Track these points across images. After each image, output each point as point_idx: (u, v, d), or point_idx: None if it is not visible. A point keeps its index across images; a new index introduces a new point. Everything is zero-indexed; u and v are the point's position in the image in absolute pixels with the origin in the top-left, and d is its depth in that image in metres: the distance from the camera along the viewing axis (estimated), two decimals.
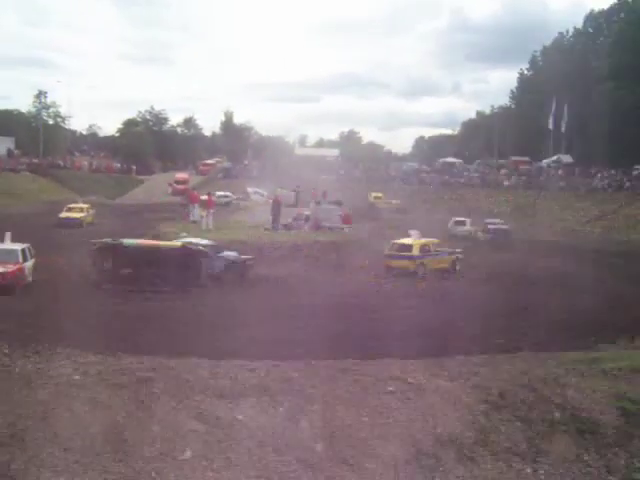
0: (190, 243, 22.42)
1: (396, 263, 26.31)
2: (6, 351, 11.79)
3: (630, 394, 11.97)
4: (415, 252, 26.29)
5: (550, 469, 10.17)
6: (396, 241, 27.53)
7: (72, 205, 43.39)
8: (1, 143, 73.06)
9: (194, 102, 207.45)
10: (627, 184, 60.37)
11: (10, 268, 18.80)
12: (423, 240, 28.07)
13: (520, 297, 22.07)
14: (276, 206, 34.34)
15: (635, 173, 63.34)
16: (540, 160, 76.48)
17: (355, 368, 12.45)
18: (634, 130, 64.19)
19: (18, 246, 20.26)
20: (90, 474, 9.05)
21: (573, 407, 11.55)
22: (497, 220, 42.91)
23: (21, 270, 19.25)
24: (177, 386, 11.08)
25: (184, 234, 25.00)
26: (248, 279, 22.86)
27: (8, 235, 21.02)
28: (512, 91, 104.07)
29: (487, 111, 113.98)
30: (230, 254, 23.46)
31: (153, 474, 9.27)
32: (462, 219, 41.74)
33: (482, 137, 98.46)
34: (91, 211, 43.50)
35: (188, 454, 9.74)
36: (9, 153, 72.90)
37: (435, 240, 28.92)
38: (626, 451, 10.70)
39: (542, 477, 9.95)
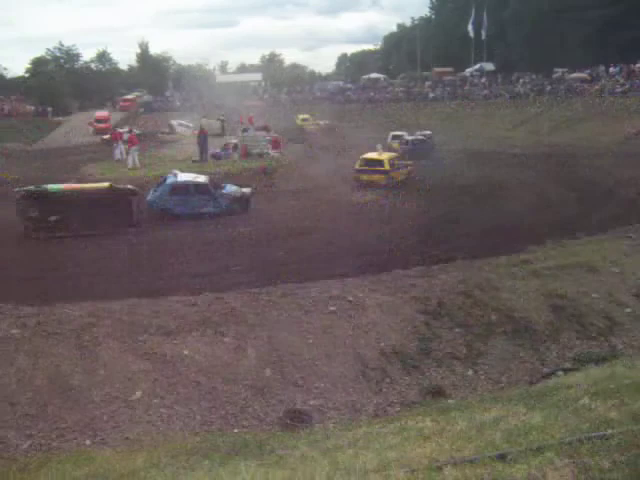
0: (175, 179, 21.94)
1: (368, 177, 27.26)
2: None
3: (559, 290, 12.58)
4: (386, 166, 27.41)
5: (489, 369, 10.69)
6: (366, 156, 28.54)
7: None
8: None
9: (106, 35, 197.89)
10: (548, 88, 61.36)
11: None
12: (390, 154, 29.57)
13: (452, 207, 22.50)
14: (202, 137, 33.65)
15: (555, 76, 64.33)
16: (463, 70, 76.71)
17: (295, 292, 12.63)
18: (552, 34, 64.84)
19: None
20: (41, 425, 9.03)
21: (508, 308, 12.08)
22: (427, 132, 43.36)
23: None
24: (119, 328, 11.03)
25: (176, 171, 24.01)
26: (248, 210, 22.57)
27: None
28: (432, 1, 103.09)
29: (408, 23, 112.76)
30: (232, 189, 23.04)
31: (105, 418, 9.32)
32: (400, 133, 42.04)
33: (404, 50, 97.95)
34: None
35: (138, 394, 9.80)
36: None
37: (395, 154, 30.57)
38: (557, 343, 11.33)
39: (482, 377, 10.47)
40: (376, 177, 26.92)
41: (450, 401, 9.24)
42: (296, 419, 8.87)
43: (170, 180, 22.58)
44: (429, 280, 13.26)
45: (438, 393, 9.96)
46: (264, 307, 11.83)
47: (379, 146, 30.28)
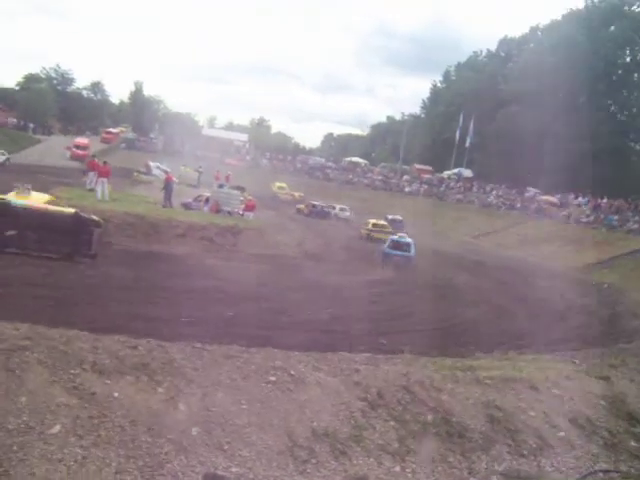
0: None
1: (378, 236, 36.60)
2: None
3: (498, 402, 12.58)
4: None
5: (417, 468, 10.51)
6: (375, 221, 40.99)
7: None
8: None
9: (105, 68, 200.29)
10: (519, 204, 63.35)
11: None
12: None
13: (408, 300, 22.67)
14: (168, 184, 33.92)
15: (527, 195, 66.60)
16: (442, 171, 79.01)
17: (239, 355, 12.41)
18: (531, 154, 67.51)
19: None
20: None
21: (445, 411, 11.99)
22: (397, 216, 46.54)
23: None
24: (53, 357, 10.63)
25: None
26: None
27: None
28: (423, 101, 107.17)
29: (397, 117, 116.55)
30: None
31: (15, 448, 8.86)
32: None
33: (390, 141, 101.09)
34: (3, 157, 47.86)
35: (57, 428, 9.37)
36: None
37: None
38: (488, 455, 11.24)
39: (409, 475, 10.28)
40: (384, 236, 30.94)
41: None
42: None
43: None
44: (373, 368, 13.16)
45: None
46: (205, 364, 11.58)
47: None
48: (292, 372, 12.23)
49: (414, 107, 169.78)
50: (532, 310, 24.15)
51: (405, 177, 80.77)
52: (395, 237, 32.66)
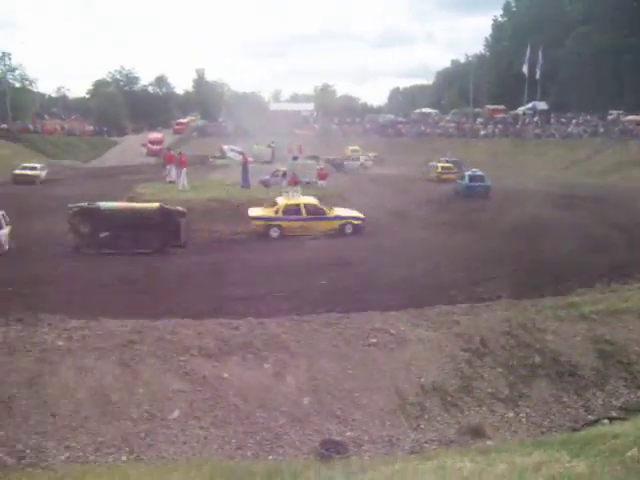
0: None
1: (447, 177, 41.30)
2: None
3: (607, 336, 12.24)
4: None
5: (531, 412, 10.42)
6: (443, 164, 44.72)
7: (26, 164, 46.54)
8: None
9: (165, 60, 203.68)
10: (602, 129, 60.58)
11: None
12: None
13: (499, 245, 22.22)
14: (244, 164, 34.35)
15: (610, 118, 63.51)
16: (515, 108, 76.33)
17: (338, 322, 12.58)
18: (608, 74, 64.23)
19: None
20: (80, 438, 9.13)
21: (552, 351, 11.79)
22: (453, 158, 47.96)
23: None
24: (162, 347, 11.13)
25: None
26: None
27: None
28: (486, 39, 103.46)
29: (462, 60, 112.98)
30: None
31: (142, 435, 9.38)
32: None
33: (457, 86, 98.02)
34: (44, 171, 46.75)
35: (176, 414, 9.85)
36: None
37: None
38: (603, 390, 10.99)
39: (523, 420, 10.20)
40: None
41: (489, 442, 9.04)
42: (332, 450, 8.77)
43: None
44: (473, 318, 13.06)
45: (477, 433, 9.74)
46: (306, 335, 11.81)
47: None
48: (392, 331, 12.30)
49: (477, 47, 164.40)
50: (632, 238, 23.12)
51: (478, 120, 78.77)
52: (469, 172, 37.22)
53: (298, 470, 7.15)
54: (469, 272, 18.14)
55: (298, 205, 24.41)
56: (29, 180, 42.57)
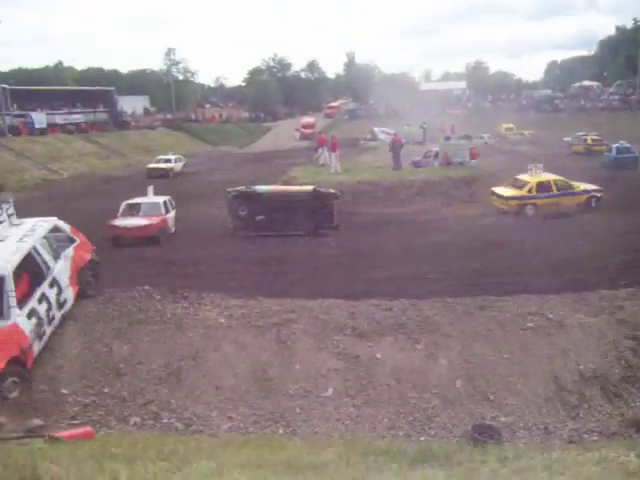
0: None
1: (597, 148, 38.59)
2: (158, 297, 12.63)
3: None
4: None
5: None
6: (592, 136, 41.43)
7: (161, 157, 44.75)
8: (137, 102, 76.74)
9: (317, 45, 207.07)
10: None
11: (154, 220, 19.89)
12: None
13: None
14: (394, 146, 34.03)
15: None
16: None
17: (492, 305, 12.29)
18: None
19: (160, 199, 21.33)
20: (240, 410, 9.64)
21: None
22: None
23: (164, 221, 20.31)
24: (316, 326, 11.46)
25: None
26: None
27: (150, 189, 22.16)
28: None
29: (628, 25, 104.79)
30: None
31: (298, 410, 9.73)
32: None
33: (623, 55, 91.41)
34: (180, 163, 44.23)
35: (330, 391, 10.11)
36: (145, 111, 76.58)
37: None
38: None
39: None
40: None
41: None
42: (485, 434, 8.62)
43: None
44: (639, 303, 12.27)
45: None
46: (459, 317, 11.66)
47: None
48: (550, 316, 11.84)
49: None
50: None
51: None
52: (617, 144, 37.72)
53: (450, 452, 7.11)
54: (635, 254, 16.98)
55: (549, 182, 24.50)
56: (162, 173, 40.42)
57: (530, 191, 24.07)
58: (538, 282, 14.28)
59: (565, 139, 50.13)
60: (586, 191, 24.93)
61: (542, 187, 24.28)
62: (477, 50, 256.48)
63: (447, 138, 39.90)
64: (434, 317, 11.68)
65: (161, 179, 36.72)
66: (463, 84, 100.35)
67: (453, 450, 7.45)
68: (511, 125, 59.05)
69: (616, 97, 74.25)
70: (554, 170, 25.92)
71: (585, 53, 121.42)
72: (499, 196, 24.48)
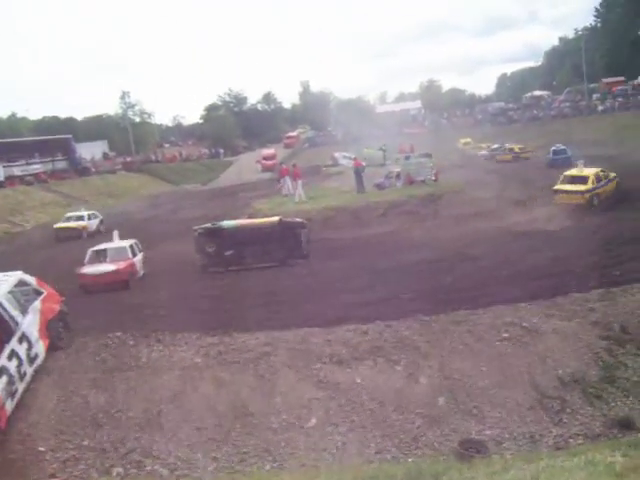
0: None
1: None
2: (132, 342, 12.47)
3: None
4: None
5: None
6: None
7: (71, 213, 36.22)
8: (96, 147, 76.20)
9: (271, 76, 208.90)
10: None
11: (122, 265, 19.67)
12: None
13: (633, 225, 20.95)
14: (357, 169, 34.33)
15: None
16: (636, 77, 72.00)
17: (467, 319, 12.36)
18: None
19: (126, 242, 21.13)
20: (224, 449, 9.49)
21: None
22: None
23: (132, 265, 20.09)
24: (294, 357, 11.38)
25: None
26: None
27: (116, 233, 21.94)
28: (596, 8, 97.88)
29: (570, 35, 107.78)
30: None
31: (283, 444, 9.62)
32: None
33: (568, 64, 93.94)
34: (95, 219, 35.47)
35: (313, 421, 10.02)
36: (104, 156, 76.05)
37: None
38: None
39: None
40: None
41: None
42: (472, 449, 8.60)
43: None
44: (610, 304, 12.45)
45: (627, 426, 9.24)
46: (435, 335, 11.69)
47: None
48: (524, 324, 11.94)
49: (586, 19, 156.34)
50: None
51: (595, 96, 75.14)
52: (554, 147, 41.31)
53: (439, 471, 7.07)
54: (601, 255, 17.24)
55: (598, 173, 26.29)
56: (74, 234, 32.87)
57: (593, 183, 25.81)
58: (510, 292, 14.40)
59: (481, 153, 54.45)
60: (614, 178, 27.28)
61: (598, 178, 26.20)
62: (430, 69, 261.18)
63: (407, 157, 40.22)
64: (411, 337, 11.70)
65: (72, 241, 31.07)
66: (418, 103, 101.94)
67: (442, 469, 7.41)
68: (468, 139, 59.97)
69: (567, 104, 76.06)
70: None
71: (533, 64, 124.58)
72: (569, 192, 25.85)
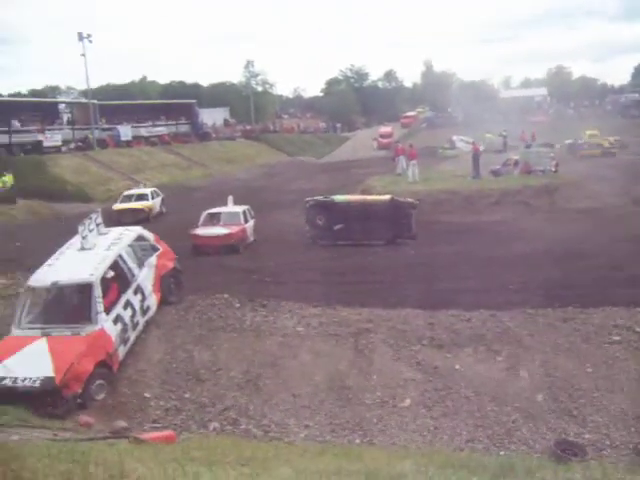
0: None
1: None
2: (237, 305, 12.89)
3: None
4: None
5: None
6: None
7: (131, 191, 30.69)
8: (218, 113, 78.37)
9: (394, 55, 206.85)
10: None
11: (234, 229, 20.25)
12: None
13: None
14: (475, 154, 33.57)
15: None
16: None
17: (575, 317, 11.93)
18: None
19: (239, 208, 21.72)
20: (317, 418, 9.70)
21: None
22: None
23: (243, 230, 20.65)
24: (394, 336, 11.42)
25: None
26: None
27: (230, 198, 22.59)
28: None
29: None
30: None
31: (375, 420, 9.72)
32: None
33: None
34: (158, 198, 30.34)
35: (407, 402, 10.05)
36: (225, 122, 78.06)
37: None
38: None
39: None
40: None
41: None
42: (568, 451, 8.34)
43: None
44: None
45: None
46: (540, 329, 11.38)
47: None
48: (638, 329, 11.39)
49: None
50: None
51: None
52: None
53: (533, 468, 6.91)
54: None
55: None
56: (139, 217, 26.37)
57: None
58: (625, 294, 13.70)
59: (567, 141, 50.73)
60: None
61: None
62: (559, 55, 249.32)
63: (528, 146, 38.96)
64: (515, 329, 11.45)
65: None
66: (544, 90, 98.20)
67: (536, 466, 7.24)
68: (595, 131, 57.19)
69: None
70: None
71: None
72: None
